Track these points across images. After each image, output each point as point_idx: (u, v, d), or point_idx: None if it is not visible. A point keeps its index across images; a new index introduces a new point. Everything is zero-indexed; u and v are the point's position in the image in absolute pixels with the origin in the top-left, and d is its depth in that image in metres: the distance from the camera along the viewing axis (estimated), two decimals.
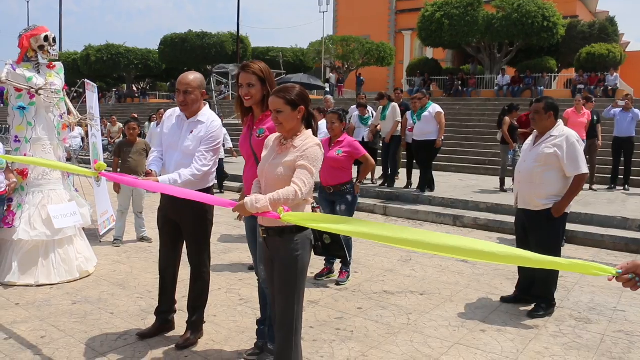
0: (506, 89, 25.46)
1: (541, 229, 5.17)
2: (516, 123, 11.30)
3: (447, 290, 5.87)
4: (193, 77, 4.17)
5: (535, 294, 5.32)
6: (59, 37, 29.04)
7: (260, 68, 3.75)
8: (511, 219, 9.03)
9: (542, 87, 24.89)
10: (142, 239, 7.73)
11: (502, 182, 11.45)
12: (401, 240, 2.52)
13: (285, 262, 3.29)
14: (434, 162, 11.23)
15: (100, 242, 7.58)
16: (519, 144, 10.92)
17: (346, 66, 35.48)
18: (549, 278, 5.21)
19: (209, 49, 39.99)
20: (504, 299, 5.55)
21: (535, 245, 5.03)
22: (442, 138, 10.70)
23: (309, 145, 3.24)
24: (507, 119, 11.24)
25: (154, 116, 16.16)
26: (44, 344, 4.29)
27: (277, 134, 3.45)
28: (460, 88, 26.62)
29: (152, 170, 4.08)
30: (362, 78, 33.13)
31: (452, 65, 34.78)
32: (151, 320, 4.61)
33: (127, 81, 45.00)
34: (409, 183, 11.51)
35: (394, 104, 11.59)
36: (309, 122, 3.39)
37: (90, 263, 6.18)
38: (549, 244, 5.07)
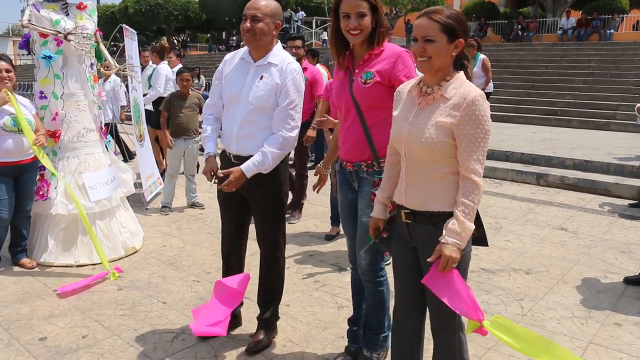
0: (571, 32, 23.57)
1: None
2: None
3: (556, 267, 4.95)
4: (265, 2, 3.16)
5: None
6: None
7: None
8: (605, 178, 8.06)
9: (611, 30, 22.88)
10: (193, 205, 6.90)
11: None
12: None
13: None
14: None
15: (147, 209, 6.77)
16: None
17: (394, 12, 33.54)
18: None
19: None
20: (629, 281, 4.61)
21: None
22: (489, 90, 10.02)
23: (471, 95, 2.23)
24: None
25: (196, 68, 15.16)
26: (85, 346, 3.49)
27: (412, 82, 2.46)
28: (520, 33, 24.82)
29: (212, 156, 3.39)
30: (411, 24, 31.39)
31: (505, 9, 32.59)
32: None
33: (166, 33, 44.04)
34: None
35: None
36: (461, 64, 2.39)
37: (137, 237, 5.34)
38: None
